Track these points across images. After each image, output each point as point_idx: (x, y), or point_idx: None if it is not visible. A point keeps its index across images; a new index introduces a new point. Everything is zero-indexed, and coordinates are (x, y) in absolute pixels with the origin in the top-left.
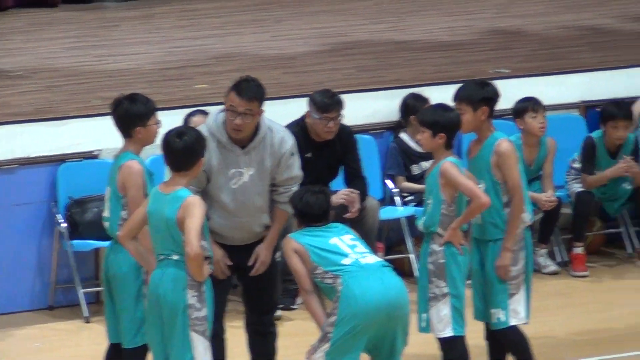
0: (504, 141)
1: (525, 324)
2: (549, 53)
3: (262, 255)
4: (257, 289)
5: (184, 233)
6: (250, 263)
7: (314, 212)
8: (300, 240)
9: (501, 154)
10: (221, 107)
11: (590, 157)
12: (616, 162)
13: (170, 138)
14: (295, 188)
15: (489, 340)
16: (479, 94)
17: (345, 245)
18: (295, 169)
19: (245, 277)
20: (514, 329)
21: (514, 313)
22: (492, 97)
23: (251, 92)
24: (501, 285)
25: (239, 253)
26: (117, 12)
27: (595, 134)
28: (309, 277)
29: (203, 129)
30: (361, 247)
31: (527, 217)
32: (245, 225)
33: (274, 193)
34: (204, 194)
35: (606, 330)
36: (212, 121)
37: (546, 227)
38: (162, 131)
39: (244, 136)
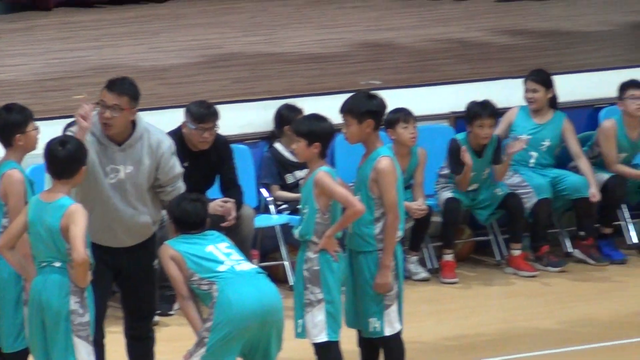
0: (385, 158)
1: (398, 332)
2: (418, 65)
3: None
4: (135, 295)
5: (69, 240)
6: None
7: (191, 220)
8: (176, 248)
9: (379, 172)
10: None
11: (457, 158)
12: (482, 161)
13: (53, 146)
14: (180, 184)
15: (361, 347)
16: (364, 107)
17: (221, 253)
18: (177, 166)
19: (124, 283)
20: (396, 337)
21: (389, 323)
22: (378, 110)
23: (121, 88)
24: (376, 296)
25: (121, 256)
26: None
27: (460, 136)
28: (185, 284)
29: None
30: (236, 254)
31: (399, 233)
32: (127, 221)
33: (162, 194)
34: (85, 193)
35: (475, 335)
36: (94, 118)
37: (417, 235)
38: (42, 142)
39: (115, 132)
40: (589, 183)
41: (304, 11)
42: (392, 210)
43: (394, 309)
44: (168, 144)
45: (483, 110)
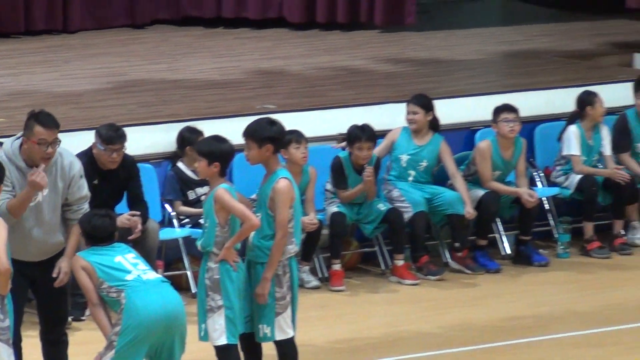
0: (282, 180)
1: (291, 337)
2: (308, 91)
3: (64, 267)
4: (50, 302)
5: None
6: (54, 275)
7: (100, 234)
8: (87, 259)
9: (276, 192)
10: (17, 135)
11: (339, 174)
12: (361, 180)
13: None
14: (86, 206)
15: (244, 351)
16: (265, 133)
17: (129, 263)
18: (85, 189)
19: (39, 290)
20: (289, 341)
21: (280, 329)
22: (277, 136)
23: (54, 122)
24: (269, 304)
25: (34, 268)
26: None
27: (342, 154)
28: (95, 292)
29: (1, 155)
30: (142, 264)
31: (293, 248)
32: (40, 240)
33: (68, 212)
34: (3, 214)
35: (362, 339)
36: (9, 148)
37: (308, 247)
38: None
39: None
40: (463, 200)
41: (203, 41)
42: (281, 228)
43: (284, 316)
44: (78, 166)
45: (362, 134)
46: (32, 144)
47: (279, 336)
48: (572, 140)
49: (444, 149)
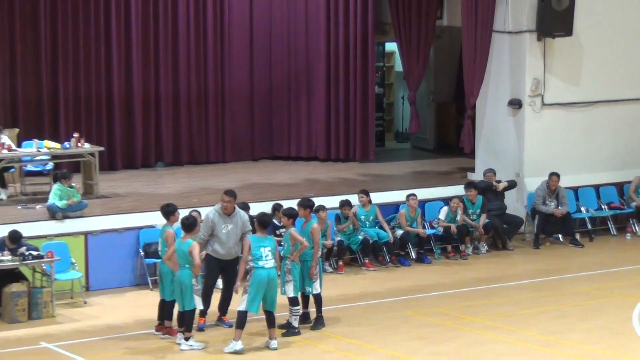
0: (315, 224)
1: (319, 293)
2: (327, 192)
3: (241, 269)
4: (228, 278)
5: (191, 254)
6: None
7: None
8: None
9: (313, 229)
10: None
11: (338, 222)
12: None
13: (183, 219)
14: (249, 233)
15: (302, 299)
16: (307, 204)
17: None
18: (248, 226)
19: (225, 274)
20: (319, 295)
21: (315, 289)
22: (312, 206)
23: (233, 194)
24: (312, 278)
25: (224, 263)
26: None
27: (339, 212)
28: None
29: (217, 208)
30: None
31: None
32: (228, 249)
33: (242, 236)
34: (213, 236)
35: (353, 293)
36: (219, 207)
37: (327, 254)
38: None
39: (230, 212)
40: (388, 233)
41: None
42: (316, 244)
43: (316, 283)
44: (246, 217)
45: (344, 205)
46: (222, 202)
47: (315, 291)
48: (442, 212)
49: (378, 212)
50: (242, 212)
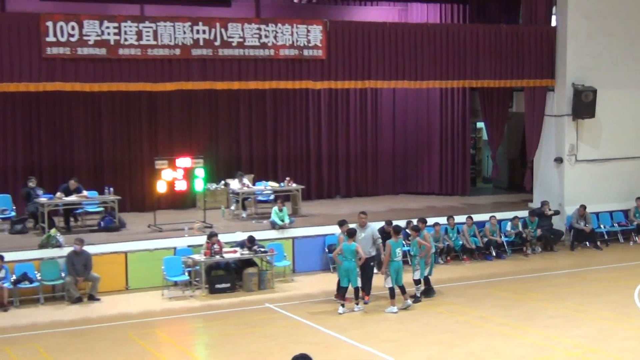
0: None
1: (392, 286)
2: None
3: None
4: (365, 273)
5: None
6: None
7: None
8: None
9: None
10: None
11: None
12: None
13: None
14: (379, 241)
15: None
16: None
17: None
18: (377, 235)
19: (363, 269)
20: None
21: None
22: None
23: (365, 213)
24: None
25: (365, 262)
26: None
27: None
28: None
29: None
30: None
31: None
32: (364, 249)
33: (377, 240)
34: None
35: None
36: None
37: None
38: None
39: (363, 224)
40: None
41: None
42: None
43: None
44: (376, 228)
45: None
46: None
47: (429, 275)
48: (508, 225)
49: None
50: (373, 225)
